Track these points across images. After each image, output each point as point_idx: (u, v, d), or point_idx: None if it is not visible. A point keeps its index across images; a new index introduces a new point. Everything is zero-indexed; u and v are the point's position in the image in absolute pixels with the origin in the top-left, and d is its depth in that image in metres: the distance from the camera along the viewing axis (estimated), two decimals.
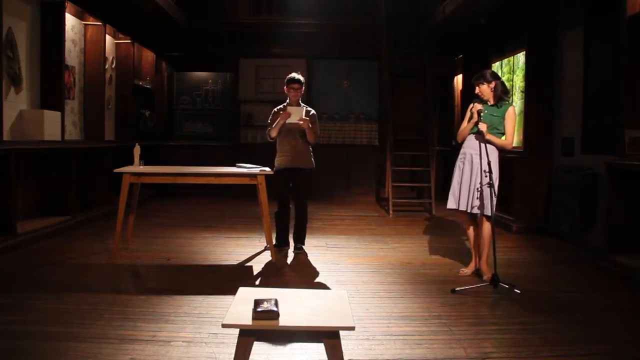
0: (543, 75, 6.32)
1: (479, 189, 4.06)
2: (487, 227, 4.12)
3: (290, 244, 5.17)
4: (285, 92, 5.06)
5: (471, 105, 4.25)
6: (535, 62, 6.35)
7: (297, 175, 5.01)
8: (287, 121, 4.82)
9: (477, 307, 3.60)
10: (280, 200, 5.07)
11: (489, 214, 4.04)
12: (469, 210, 4.20)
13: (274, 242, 5.00)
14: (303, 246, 5.12)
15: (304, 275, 4.37)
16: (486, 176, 3.92)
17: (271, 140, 5.02)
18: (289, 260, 4.85)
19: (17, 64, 5.47)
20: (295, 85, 4.99)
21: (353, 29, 9.34)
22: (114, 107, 8.08)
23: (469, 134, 4.23)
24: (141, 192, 5.46)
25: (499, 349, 2.88)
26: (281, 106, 5.06)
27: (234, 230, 6.22)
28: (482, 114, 4.12)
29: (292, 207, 5.11)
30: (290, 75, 5.09)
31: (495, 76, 4.25)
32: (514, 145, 4.80)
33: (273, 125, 4.91)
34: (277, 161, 5.03)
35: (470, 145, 4.21)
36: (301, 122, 4.80)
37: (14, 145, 5.08)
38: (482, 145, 4.01)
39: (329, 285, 4.08)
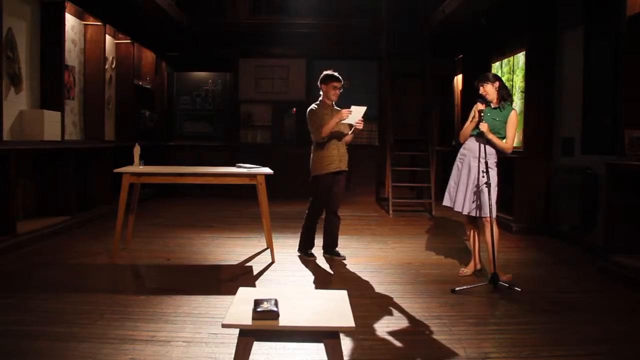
0: (543, 75, 6.32)
1: (476, 190, 4.07)
2: (494, 229, 4.07)
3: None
4: (323, 90, 4.73)
5: (475, 106, 4.26)
6: (535, 62, 6.35)
7: (338, 177, 4.76)
8: (344, 121, 4.52)
9: (477, 307, 3.60)
10: (322, 207, 4.78)
11: (494, 216, 4.04)
12: (465, 213, 4.22)
13: (308, 251, 4.87)
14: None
15: (303, 275, 4.37)
16: (483, 176, 3.93)
17: (320, 141, 4.65)
18: (289, 260, 4.84)
19: (17, 64, 5.47)
20: (338, 84, 4.66)
21: (353, 29, 9.33)
22: (114, 107, 8.08)
23: (470, 135, 4.24)
24: (141, 192, 5.46)
25: (499, 349, 2.88)
26: (315, 106, 4.74)
27: (234, 230, 6.22)
28: (483, 115, 4.12)
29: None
30: (329, 72, 4.72)
31: (498, 77, 4.28)
32: (514, 145, 4.78)
33: (328, 124, 4.55)
34: (322, 166, 4.68)
35: (470, 147, 4.21)
36: (358, 125, 4.53)
37: (14, 145, 5.08)
38: (482, 146, 4.01)
39: (329, 285, 4.09)
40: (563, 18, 6.16)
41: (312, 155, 4.81)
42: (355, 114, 4.49)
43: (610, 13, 5.20)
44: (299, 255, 4.94)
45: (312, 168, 4.79)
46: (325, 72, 4.78)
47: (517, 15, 6.79)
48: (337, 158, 4.70)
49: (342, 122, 4.57)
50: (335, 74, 4.74)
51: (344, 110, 4.51)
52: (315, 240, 4.99)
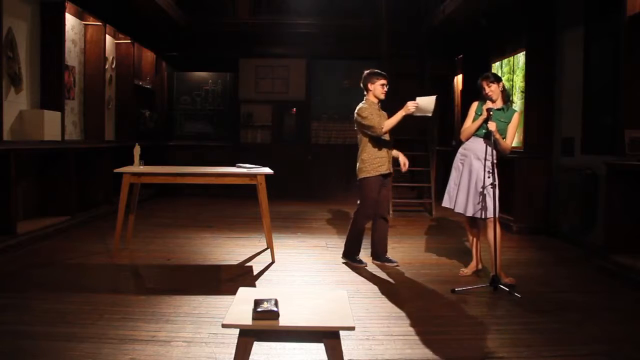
0: (543, 75, 6.32)
1: (481, 192, 4.04)
2: (498, 230, 4.04)
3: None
4: (370, 89, 4.54)
5: (475, 103, 4.24)
6: (535, 62, 6.35)
7: (386, 180, 4.62)
8: (415, 113, 4.27)
9: (477, 307, 3.59)
10: (372, 211, 4.57)
11: (497, 216, 4.03)
12: (467, 214, 4.19)
13: (356, 257, 4.66)
14: None
15: (303, 275, 4.37)
16: (489, 177, 3.91)
17: (381, 136, 4.44)
18: (289, 260, 4.84)
19: (17, 64, 5.47)
20: (385, 80, 4.48)
21: (353, 29, 9.33)
22: (114, 107, 8.08)
23: (475, 135, 4.20)
24: (141, 192, 5.46)
25: (499, 349, 2.88)
26: (365, 104, 4.51)
27: (234, 230, 6.22)
28: (492, 114, 4.06)
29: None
30: (373, 70, 4.55)
31: (500, 78, 4.28)
32: (513, 145, 4.79)
33: (393, 118, 4.39)
34: (374, 167, 4.50)
35: (473, 147, 4.18)
36: (429, 115, 4.32)
37: (14, 145, 5.08)
38: (488, 147, 3.97)
39: (329, 285, 4.09)
40: (563, 18, 6.16)
41: (360, 156, 4.58)
42: (424, 106, 4.24)
43: (610, 13, 5.20)
44: (344, 262, 4.72)
45: (361, 169, 4.56)
46: (367, 71, 4.59)
47: (517, 15, 6.79)
48: (387, 159, 4.56)
49: (417, 114, 4.33)
50: (377, 70, 4.57)
51: (410, 103, 4.29)
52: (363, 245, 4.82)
